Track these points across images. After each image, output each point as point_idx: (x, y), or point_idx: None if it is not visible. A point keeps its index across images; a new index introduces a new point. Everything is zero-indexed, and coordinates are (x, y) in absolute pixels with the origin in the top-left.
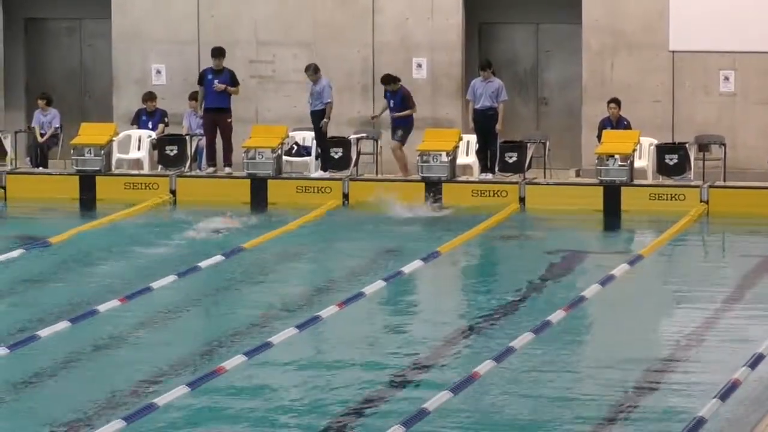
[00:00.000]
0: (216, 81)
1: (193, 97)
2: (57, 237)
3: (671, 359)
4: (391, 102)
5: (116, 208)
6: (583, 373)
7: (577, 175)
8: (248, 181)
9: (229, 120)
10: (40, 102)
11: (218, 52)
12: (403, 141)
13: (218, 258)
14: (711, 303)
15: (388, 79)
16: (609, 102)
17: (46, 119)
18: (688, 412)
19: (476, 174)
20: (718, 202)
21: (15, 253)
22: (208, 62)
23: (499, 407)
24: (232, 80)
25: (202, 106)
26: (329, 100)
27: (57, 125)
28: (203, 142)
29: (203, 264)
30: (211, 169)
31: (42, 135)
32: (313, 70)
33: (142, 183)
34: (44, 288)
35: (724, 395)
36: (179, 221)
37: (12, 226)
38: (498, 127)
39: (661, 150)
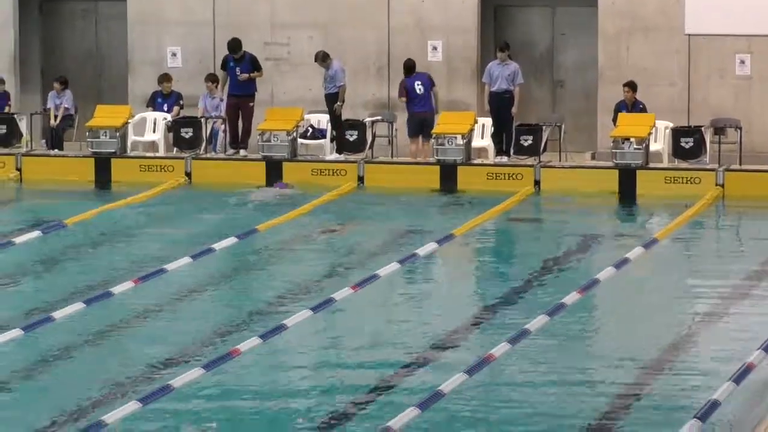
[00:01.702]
0: (238, 69)
1: (209, 78)
2: (72, 219)
3: (685, 341)
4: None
5: (131, 191)
6: (597, 354)
7: (593, 158)
8: (263, 163)
9: (251, 104)
10: (56, 85)
11: (235, 46)
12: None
13: (232, 240)
14: (726, 287)
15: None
16: (624, 85)
17: (60, 101)
18: (702, 393)
19: (491, 157)
20: (734, 185)
21: (31, 235)
22: (224, 44)
23: (514, 389)
24: (254, 65)
25: (225, 90)
26: (342, 83)
27: (68, 107)
28: (218, 124)
29: (217, 246)
30: (231, 151)
31: (56, 118)
32: (321, 58)
33: (157, 165)
34: (59, 270)
35: (739, 378)
36: (194, 203)
37: (28, 208)
38: (513, 110)
39: (677, 133)
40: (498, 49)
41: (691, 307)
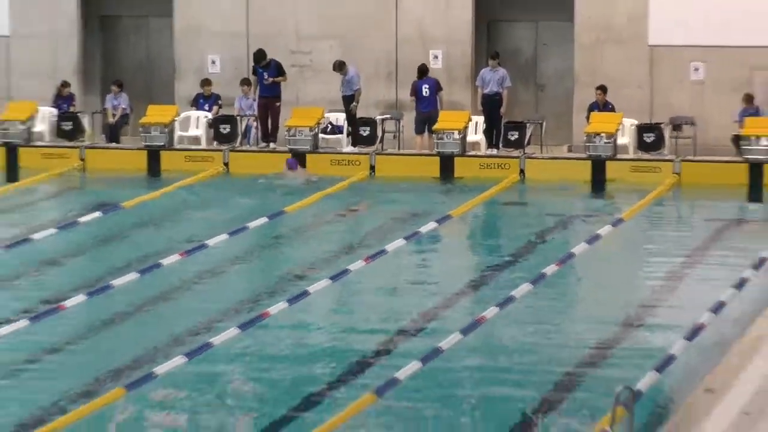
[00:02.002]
0: (265, 74)
1: (244, 83)
2: (128, 202)
3: (647, 305)
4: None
5: (178, 178)
6: (573, 315)
7: (569, 150)
8: (290, 155)
9: (278, 104)
10: (114, 87)
11: (259, 56)
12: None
13: (264, 220)
14: (681, 258)
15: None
16: (597, 89)
17: (118, 102)
18: (660, 349)
19: (483, 149)
20: (689, 174)
21: (93, 216)
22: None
23: (503, 346)
24: (278, 71)
25: (256, 93)
26: (358, 87)
27: (124, 106)
28: (251, 121)
29: (251, 225)
30: (263, 145)
31: (113, 116)
32: (338, 67)
33: (199, 156)
34: (117, 245)
35: (691, 336)
36: (231, 188)
37: (90, 192)
38: (502, 109)
39: (641, 129)
40: (489, 57)
41: (652, 276)
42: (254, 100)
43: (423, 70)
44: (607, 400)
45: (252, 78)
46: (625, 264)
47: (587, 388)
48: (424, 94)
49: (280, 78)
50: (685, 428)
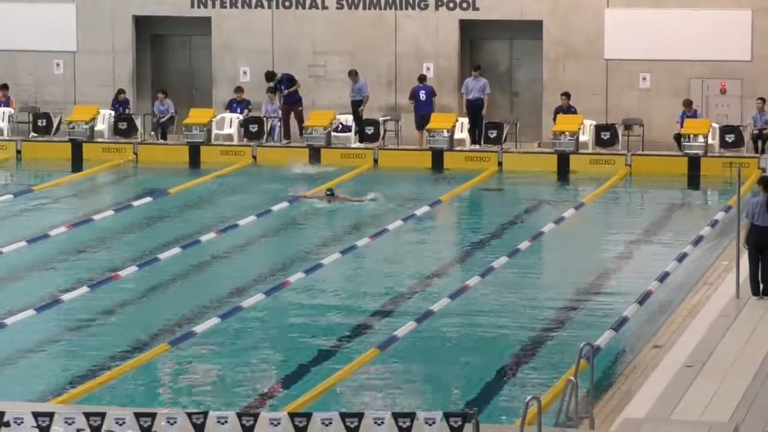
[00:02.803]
0: (282, 87)
1: (269, 90)
2: (174, 189)
3: (605, 275)
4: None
5: (215, 169)
6: (542, 284)
7: (539, 146)
8: (307, 149)
9: (300, 108)
10: (160, 95)
11: (269, 77)
12: None
13: (284, 204)
14: (633, 234)
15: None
16: (561, 95)
17: (164, 107)
18: (616, 312)
19: (468, 145)
20: (638, 166)
21: (144, 200)
22: (281, 65)
23: (484, 309)
24: (290, 82)
25: (281, 102)
26: (367, 94)
27: (172, 112)
28: (275, 122)
29: (274, 208)
30: (285, 141)
31: (160, 118)
32: (354, 74)
33: (233, 151)
34: (164, 225)
35: (642, 301)
36: (258, 178)
37: (141, 181)
38: (484, 112)
39: (598, 128)
40: (472, 68)
41: (609, 250)
42: (279, 107)
43: (422, 78)
44: (571, 355)
45: (270, 95)
46: (586, 241)
47: (555, 345)
48: (421, 98)
49: (293, 87)
50: (637, 378)
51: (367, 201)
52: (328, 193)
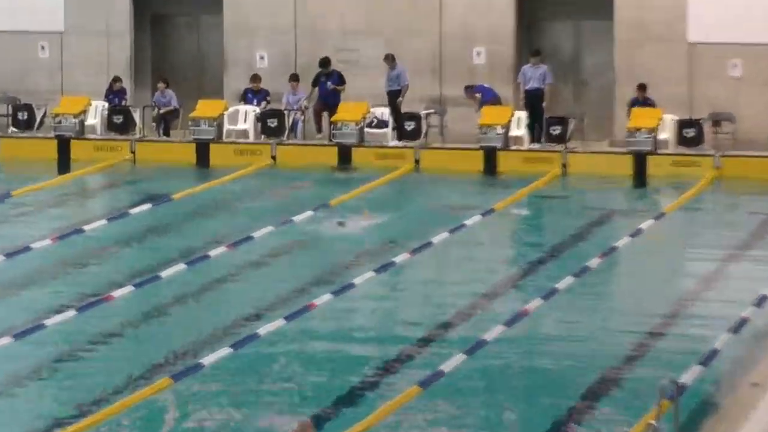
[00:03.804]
0: (329, 82)
1: (292, 78)
2: (178, 194)
3: (689, 297)
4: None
5: (226, 171)
6: (617, 308)
7: (610, 145)
8: (336, 148)
9: (337, 108)
10: (160, 85)
11: (325, 62)
12: None
13: (309, 213)
14: (723, 251)
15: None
16: (637, 86)
17: (165, 100)
18: (704, 342)
19: (526, 144)
20: (729, 168)
21: (143, 208)
22: (304, 50)
23: (546, 337)
24: (340, 79)
25: (311, 103)
26: (406, 82)
27: (175, 105)
28: (299, 116)
29: (296, 219)
30: (319, 136)
31: (162, 111)
32: (391, 59)
33: (248, 150)
34: (166, 237)
35: (735, 329)
36: (278, 181)
37: (140, 184)
38: (544, 105)
39: (681, 124)
40: (530, 54)
41: (695, 269)
42: (306, 107)
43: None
44: (651, 394)
45: (308, 88)
46: (668, 257)
47: (631, 382)
48: (484, 102)
49: (340, 87)
50: (731, 422)
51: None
52: (339, 224)
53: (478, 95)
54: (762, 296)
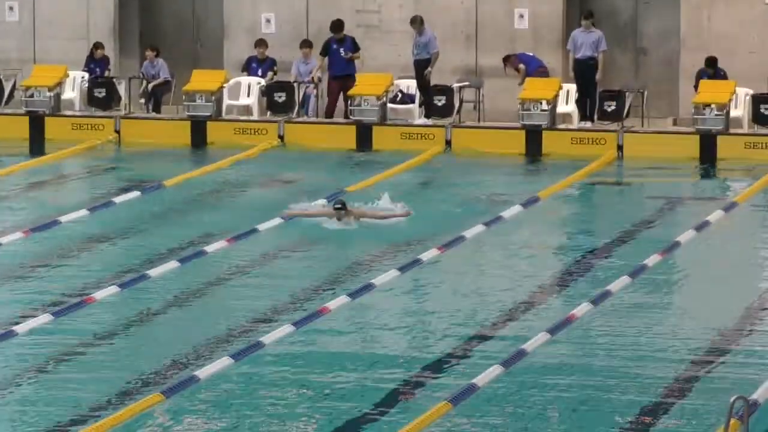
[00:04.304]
0: (341, 50)
1: (304, 44)
2: (170, 180)
3: (763, 303)
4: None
5: (226, 153)
6: (679, 313)
7: (674, 123)
8: (354, 127)
9: (354, 84)
10: (149, 53)
11: (338, 26)
12: None
13: (322, 201)
14: None
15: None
16: (705, 62)
17: (155, 70)
18: None
19: (576, 122)
20: None
21: (131, 196)
22: (316, 11)
23: (596, 347)
24: (354, 46)
25: (324, 73)
26: (436, 50)
27: (166, 76)
28: (311, 89)
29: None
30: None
31: (151, 83)
32: (419, 22)
33: (251, 128)
34: (157, 229)
35: None
36: (286, 165)
37: (127, 169)
38: (598, 76)
39: (757, 100)
40: (582, 16)
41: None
42: (320, 78)
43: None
44: (718, 412)
45: (319, 58)
46: (739, 255)
47: (695, 398)
48: (529, 72)
49: (356, 54)
50: None
51: (397, 218)
52: (338, 207)
53: (522, 66)
54: None
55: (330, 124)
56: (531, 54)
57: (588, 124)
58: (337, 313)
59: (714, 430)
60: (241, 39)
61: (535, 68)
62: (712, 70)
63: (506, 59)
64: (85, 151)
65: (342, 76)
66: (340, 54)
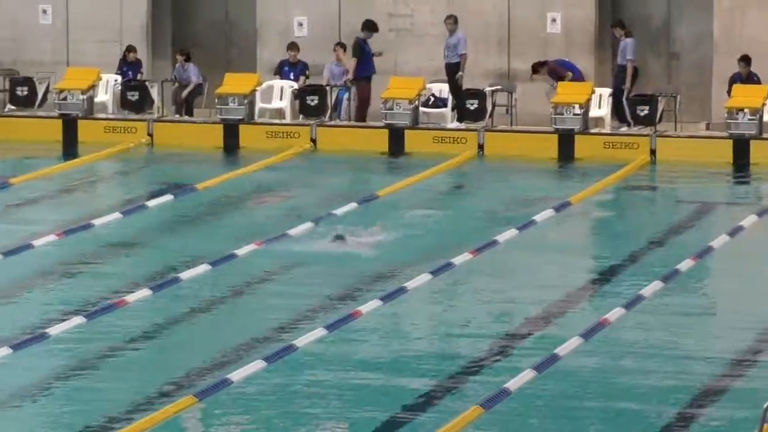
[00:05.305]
0: (372, 51)
1: (339, 46)
2: (203, 183)
3: None
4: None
5: (258, 156)
6: (711, 318)
7: (707, 128)
8: (386, 131)
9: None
10: (179, 57)
11: (372, 26)
12: None
13: (353, 205)
14: None
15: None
16: (739, 60)
17: (185, 75)
18: None
19: (608, 126)
20: None
21: (164, 199)
22: (349, 14)
23: (629, 352)
24: (354, 49)
25: (354, 75)
26: (464, 52)
27: (197, 81)
28: (344, 92)
29: (338, 211)
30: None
31: (184, 87)
32: (453, 21)
33: (283, 132)
34: (190, 233)
35: None
36: (319, 168)
37: (159, 172)
38: (627, 84)
39: None
40: (612, 25)
41: None
42: (352, 81)
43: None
44: (753, 419)
45: (352, 61)
46: None
47: (728, 404)
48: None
49: (379, 52)
50: None
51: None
52: (338, 237)
53: (569, 74)
54: None
55: (362, 128)
56: (569, 60)
57: (624, 128)
58: (370, 317)
59: None
60: (274, 42)
61: (578, 75)
62: (746, 67)
63: (541, 65)
64: (117, 154)
65: (366, 78)
66: (369, 52)
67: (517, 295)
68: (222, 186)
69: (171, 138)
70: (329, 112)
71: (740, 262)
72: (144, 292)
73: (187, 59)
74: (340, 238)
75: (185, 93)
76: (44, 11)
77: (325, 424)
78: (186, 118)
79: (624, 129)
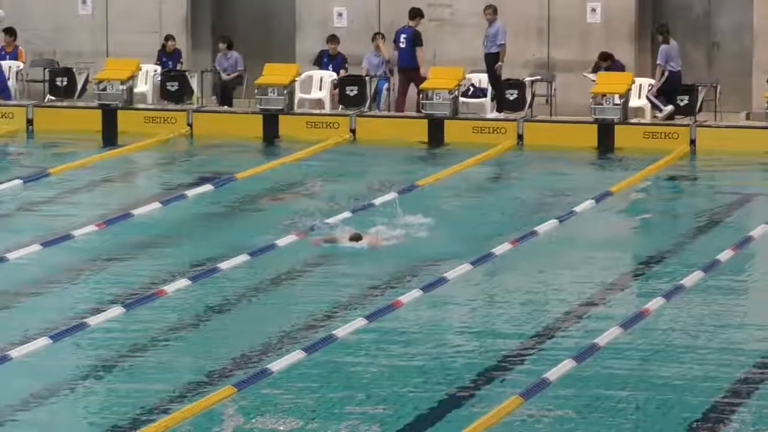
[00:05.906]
0: (402, 38)
1: (378, 36)
2: (242, 173)
3: None
4: None
5: (298, 146)
6: (752, 308)
7: (747, 118)
8: (426, 121)
9: (423, 75)
10: (221, 46)
11: (416, 13)
12: None
13: (392, 195)
14: None
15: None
16: None
17: (228, 62)
18: None
19: (648, 116)
20: None
21: (203, 189)
22: (388, 5)
23: (669, 343)
24: (414, 39)
25: (396, 65)
26: (503, 42)
27: (240, 68)
28: (384, 82)
29: (377, 201)
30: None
31: (224, 77)
32: (493, 11)
33: (323, 122)
34: (229, 223)
35: None
36: (358, 159)
37: (199, 162)
38: (655, 84)
39: None
40: (656, 32)
41: None
42: (392, 70)
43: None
44: None
45: (394, 54)
46: None
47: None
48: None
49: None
50: None
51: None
52: (354, 238)
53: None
54: None
55: (402, 118)
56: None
57: (659, 114)
58: (410, 307)
59: None
60: (314, 32)
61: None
62: None
63: (609, 58)
64: (157, 144)
65: (405, 69)
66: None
67: (556, 284)
68: (261, 176)
69: (210, 128)
70: (368, 102)
71: None
72: (183, 282)
73: (230, 47)
74: (314, 228)
75: (230, 78)
76: (84, 2)
77: (365, 414)
78: (226, 108)
79: (659, 115)
